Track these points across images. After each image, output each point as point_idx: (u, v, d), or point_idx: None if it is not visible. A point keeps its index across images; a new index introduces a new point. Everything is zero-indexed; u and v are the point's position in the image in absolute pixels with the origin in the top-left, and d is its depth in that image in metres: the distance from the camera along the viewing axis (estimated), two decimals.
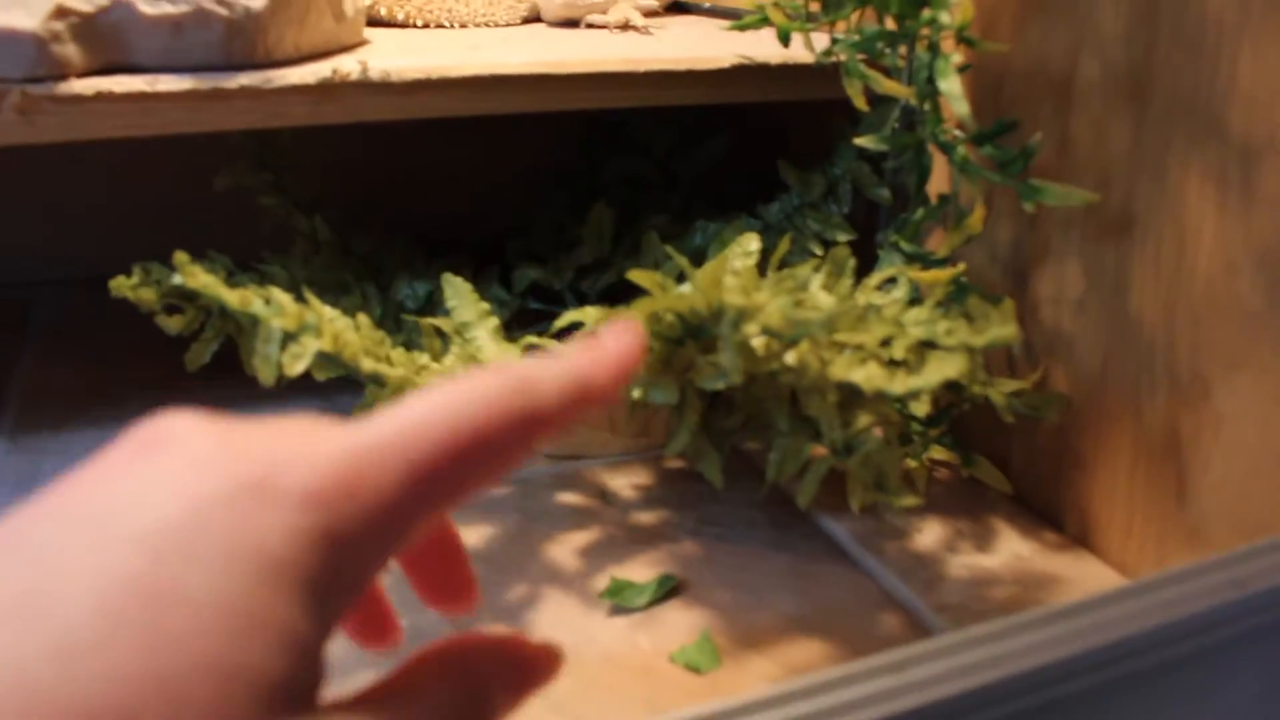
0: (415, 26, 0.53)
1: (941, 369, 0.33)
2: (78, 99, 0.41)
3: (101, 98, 0.41)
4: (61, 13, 0.40)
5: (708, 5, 0.67)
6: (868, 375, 0.33)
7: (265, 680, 0.17)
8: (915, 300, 0.40)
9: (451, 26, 0.54)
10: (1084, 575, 0.42)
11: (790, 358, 0.35)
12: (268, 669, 0.18)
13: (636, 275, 0.35)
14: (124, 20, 0.41)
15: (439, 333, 0.43)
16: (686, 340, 0.37)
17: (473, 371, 0.22)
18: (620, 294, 0.54)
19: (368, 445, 0.20)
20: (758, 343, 0.34)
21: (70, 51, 0.41)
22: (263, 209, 0.54)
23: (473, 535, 0.43)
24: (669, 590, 0.39)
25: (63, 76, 0.41)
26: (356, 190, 0.61)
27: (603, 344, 0.25)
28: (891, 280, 0.44)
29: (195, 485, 0.18)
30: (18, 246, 0.69)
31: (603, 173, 0.62)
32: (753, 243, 0.42)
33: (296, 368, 0.36)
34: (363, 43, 0.49)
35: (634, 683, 0.35)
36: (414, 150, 0.72)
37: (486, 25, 0.55)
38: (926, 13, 0.37)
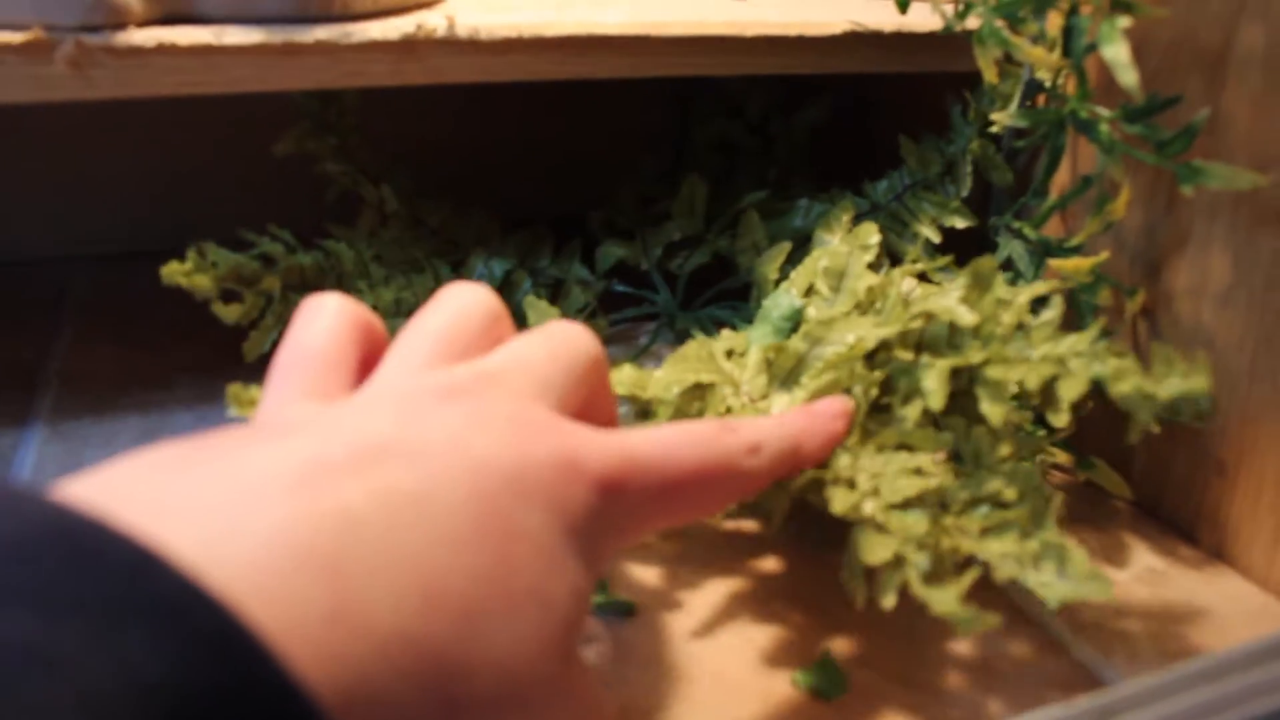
0: None
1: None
2: (137, 51, 0.37)
3: (163, 50, 0.37)
4: None
5: None
6: (1002, 552, 0.29)
7: (565, 615, 0.21)
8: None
9: None
10: (1227, 593, 0.38)
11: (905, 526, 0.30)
12: (566, 607, 0.21)
13: None
14: None
15: None
16: None
17: (722, 422, 0.28)
18: (711, 275, 0.50)
19: (637, 456, 0.25)
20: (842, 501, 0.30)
21: None
22: (324, 177, 0.50)
23: None
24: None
25: (121, 26, 0.37)
26: (427, 159, 0.57)
27: (817, 412, 0.31)
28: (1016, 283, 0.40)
29: (519, 441, 0.22)
30: (52, 218, 0.65)
31: (693, 137, 0.58)
32: (872, 235, 0.39)
33: None
34: None
35: (756, 709, 0.32)
36: (488, 115, 0.68)
37: None
38: None
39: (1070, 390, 0.29)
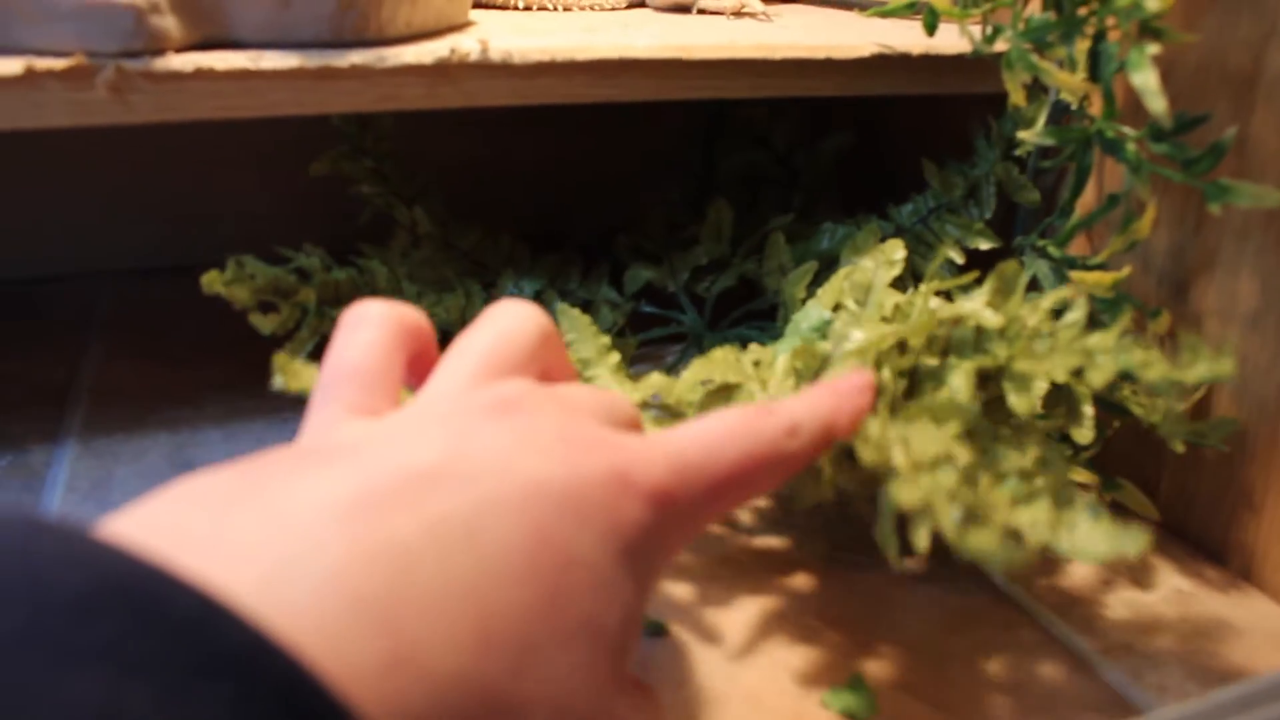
0: (517, 9, 0.50)
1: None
2: (176, 76, 0.37)
3: (201, 75, 0.37)
4: None
5: None
6: (1033, 519, 0.29)
7: (617, 642, 0.21)
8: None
9: (555, 9, 0.50)
10: (1255, 615, 0.38)
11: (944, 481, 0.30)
12: (618, 634, 0.21)
13: None
14: None
15: None
16: None
17: (758, 407, 0.27)
18: (738, 298, 0.50)
19: (686, 462, 0.24)
20: (873, 453, 0.30)
21: (169, 24, 0.37)
22: (356, 199, 0.50)
23: None
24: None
25: (160, 51, 0.38)
26: (458, 181, 0.58)
27: (843, 389, 0.30)
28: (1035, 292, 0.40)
29: (570, 458, 0.22)
30: (81, 235, 0.66)
31: (719, 166, 0.59)
32: (897, 251, 0.39)
33: None
34: (470, 23, 0.45)
35: None
36: (518, 138, 0.68)
37: (591, 9, 0.51)
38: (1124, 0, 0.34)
39: (1097, 378, 0.29)
